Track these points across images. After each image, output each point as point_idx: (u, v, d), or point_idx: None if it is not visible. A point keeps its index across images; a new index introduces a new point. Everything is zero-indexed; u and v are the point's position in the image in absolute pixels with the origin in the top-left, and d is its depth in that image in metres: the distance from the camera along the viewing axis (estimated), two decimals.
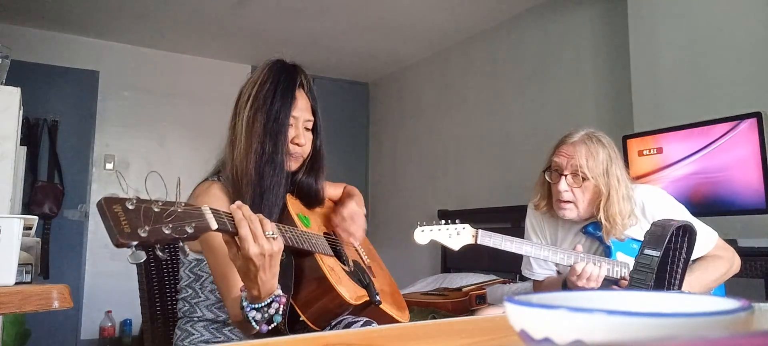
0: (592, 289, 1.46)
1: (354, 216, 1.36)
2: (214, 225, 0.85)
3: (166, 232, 0.76)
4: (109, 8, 4.12)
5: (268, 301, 0.98)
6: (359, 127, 5.82)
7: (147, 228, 0.74)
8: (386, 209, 5.28)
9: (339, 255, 1.30)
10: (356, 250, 1.46)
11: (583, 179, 1.55)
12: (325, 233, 1.32)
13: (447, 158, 4.76)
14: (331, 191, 1.55)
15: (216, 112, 5.01)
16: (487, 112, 4.36)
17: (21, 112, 2.07)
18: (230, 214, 0.91)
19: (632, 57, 3.00)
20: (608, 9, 3.47)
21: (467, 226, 1.50)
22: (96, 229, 4.58)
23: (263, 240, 0.91)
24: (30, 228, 1.23)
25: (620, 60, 3.29)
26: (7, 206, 1.89)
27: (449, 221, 1.52)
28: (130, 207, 0.74)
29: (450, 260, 4.33)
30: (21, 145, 2.43)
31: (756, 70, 2.47)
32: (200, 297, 1.26)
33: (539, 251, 1.53)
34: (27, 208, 4.14)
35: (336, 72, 5.51)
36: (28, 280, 1.05)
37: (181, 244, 0.80)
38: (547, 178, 1.63)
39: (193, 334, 1.25)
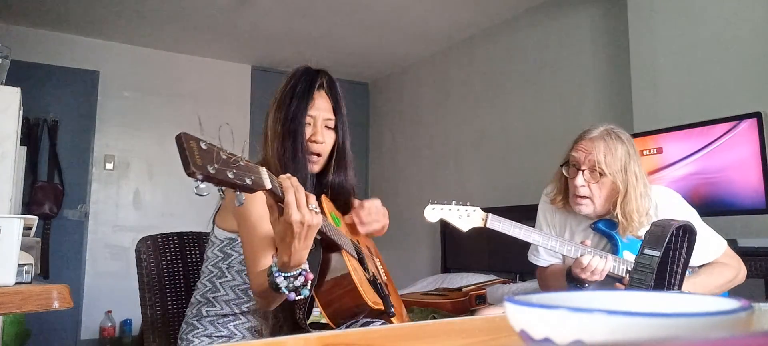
0: (595, 281, 1.47)
1: (372, 210, 1.39)
2: (268, 184, 0.91)
3: (230, 176, 0.83)
4: (109, 8, 4.12)
5: (296, 272, 1.03)
6: (359, 127, 5.82)
7: (216, 166, 0.80)
8: (386, 208, 5.28)
9: (361, 262, 1.33)
10: (376, 265, 1.48)
11: (601, 175, 1.53)
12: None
13: (447, 158, 4.76)
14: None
15: (216, 112, 5.04)
16: (487, 112, 4.36)
17: (21, 112, 2.07)
18: (278, 177, 0.98)
19: (632, 57, 3.00)
20: (608, 9, 3.47)
21: (478, 209, 1.48)
22: (96, 229, 4.59)
23: (306, 210, 0.98)
24: (30, 228, 1.23)
25: (620, 60, 3.29)
26: (7, 206, 1.89)
27: (460, 203, 1.51)
28: (204, 147, 0.80)
29: (450, 260, 4.33)
30: (21, 145, 2.43)
31: (756, 70, 2.47)
32: (226, 277, 1.29)
33: (548, 240, 1.51)
34: (27, 208, 4.14)
35: (336, 72, 5.43)
36: (28, 280, 1.05)
37: (237, 192, 0.86)
38: (564, 172, 1.61)
39: (198, 328, 1.27)
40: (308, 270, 1.05)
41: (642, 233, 1.57)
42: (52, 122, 4.44)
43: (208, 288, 1.31)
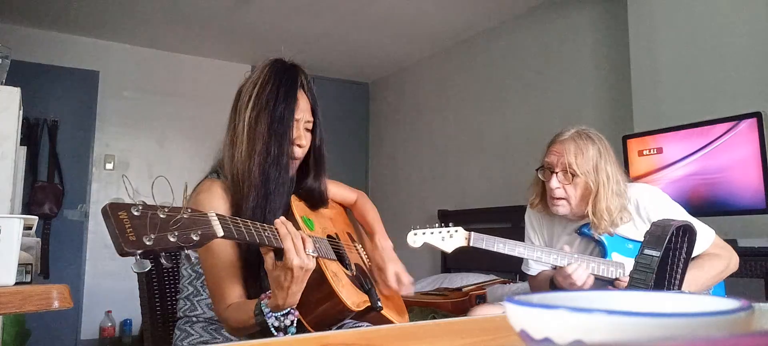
0: (576, 290, 1.48)
1: (402, 277, 1.36)
2: (220, 232, 0.85)
3: (172, 240, 0.74)
4: (109, 8, 4.12)
5: (286, 311, 1.03)
6: (359, 127, 5.82)
7: (152, 236, 0.72)
8: (386, 208, 5.27)
9: (342, 259, 1.30)
10: (359, 253, 1.45)
11: (573, 176, 1.57)
12: (328, 236, 1.32)
13: (447, 158, 4.76)
14: (340, 191, 1.54)
15: (216, 112, 5.01)
16: (487, 112, 4.36)
17: (21, 112, 2.07)
18: (237, 220, 0.93)
19: (632, 57, 3.00)
20: (608, 9, 3.47)
21: (460, 228, 1.52)
22: (96, 229, 4.58)
23: (304, 255, 0.98)
24: (30, 228, 1.22)
25: (620, 60, 3.29)
26: (7, 206, 1.89)
27: (442, 224, 1.54)
28: (136, 213, 0.72)
29: (450, 260, 4.33)
30: (21, 145, 2.43)
31: (756, 70, 2.47)
32: (201, 295, 1.27)
33: (532, 252, 1.55)
34: (27, 208, 4.14)
35: (336, 72, 5.51)
36: (28, 280, 1.05)
37: (186, 252, 0.78)
38: (539, 176, 1.66)
39: (192, 335, 1.25)
40: (294, 308, 1.04)
41: (620, 230, 1.59)
42: (52, 122, 4.44)
43: (188, 305, 1.29)
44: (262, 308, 1.03)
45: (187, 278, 1.29)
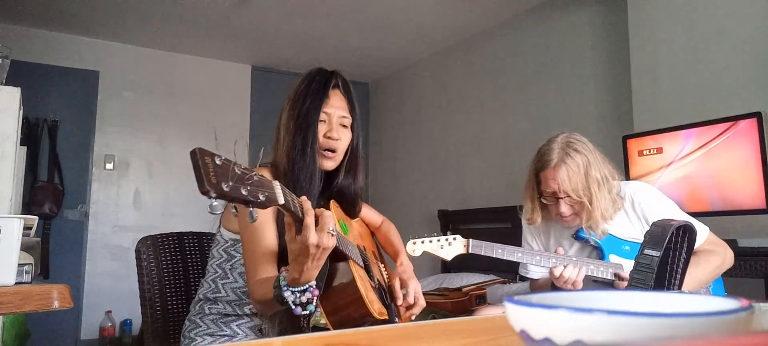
0: (574, 289, 1.49)
1: (418, 297, 1.40)
2: (281, 200, 0.91)
3: (244, 193, 0.81)
4: (109, 8, 4.12)
5: (303, 288, 1.05)
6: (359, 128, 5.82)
7: (230, 184, 0.79)
8: (386, 209, 5.27)
9: (367, 270, 1.34)
10: (380, 271, 1.49)
11: (575, 197, 1.60)
12: (356, 246, 1.35)
13: (447, 158, 4.76)
14: (368, 212, 1.59)
15: (216, 112, 5.05)
16: (487, 112, 4.36)
17: (21, 112, 2.07)
18: (293, 194, 0.98)
19: (632, 57, 3.00)
20: (608, 9, 3.47)
21: (458, 236, 1.55)
22: (96, 229, 4.58)
23: (323, 233, 0.99)
24: (30, 228, 1.23)
25: (620, 60, 3.29)
26: (7, 206, 1.89)
27: (440, 233, 1.57)
28: (219, 163, 0.79)
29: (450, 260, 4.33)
30: (21, 145, 2.43)
31: (756, 70, 2.47)
32: (228, 278, 1.30)
33: (531, 257, 1.57)
34: (27, 208, 4.13)
35: None
36: (28, 280, 1.05)
37: (250, 209, 0.85)
38: (544, 201, 1.66)
39: (201, 326, 1.29)
40: (315, 287, 1.06)
41: (616, 230, 1.60)
42: (52, 122, 4.44)
43: (210, 288, 1.32)
44: (280, 280, 1.06)
45: (217, 259, 1.33)
